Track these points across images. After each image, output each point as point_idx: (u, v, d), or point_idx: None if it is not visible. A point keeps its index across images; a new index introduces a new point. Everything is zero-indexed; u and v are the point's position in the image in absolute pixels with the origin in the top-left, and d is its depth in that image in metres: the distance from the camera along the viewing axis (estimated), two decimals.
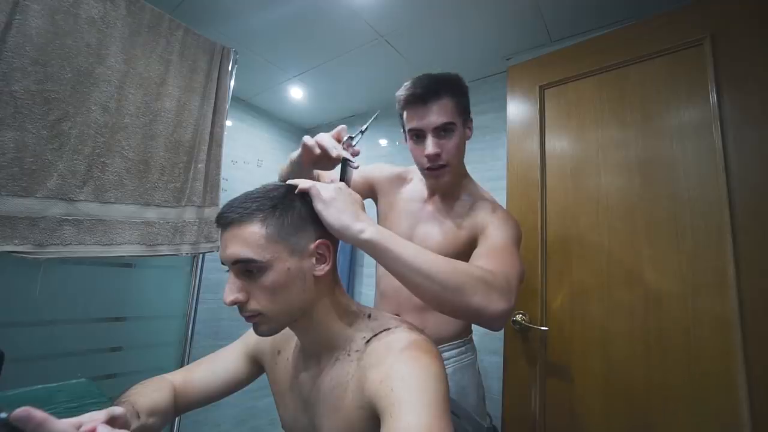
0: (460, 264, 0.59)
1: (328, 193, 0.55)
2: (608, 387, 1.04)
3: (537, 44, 1.57)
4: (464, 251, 0.78)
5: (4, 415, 0.33)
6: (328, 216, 0.53)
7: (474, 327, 0.93)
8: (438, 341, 0.83)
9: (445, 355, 0.85)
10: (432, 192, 0.91)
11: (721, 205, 0.94)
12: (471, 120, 0.86)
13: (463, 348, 0.88)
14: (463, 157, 0.87)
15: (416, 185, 0.95)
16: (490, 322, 0.59)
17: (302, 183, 0.56)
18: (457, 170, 0.84)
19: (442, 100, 0.78)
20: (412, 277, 0.54)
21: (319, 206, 0.54)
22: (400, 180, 0.98)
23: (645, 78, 1.10)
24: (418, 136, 0.81)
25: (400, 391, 0.44)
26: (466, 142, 0.86)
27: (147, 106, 1.14)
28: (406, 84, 0.81)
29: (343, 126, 0.70)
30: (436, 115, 0.77)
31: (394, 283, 0.86)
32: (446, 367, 0.80)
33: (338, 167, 0.67)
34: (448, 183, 0.85)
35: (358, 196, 0.59)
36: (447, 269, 0.56)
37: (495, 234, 0.75)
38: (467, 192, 0.89)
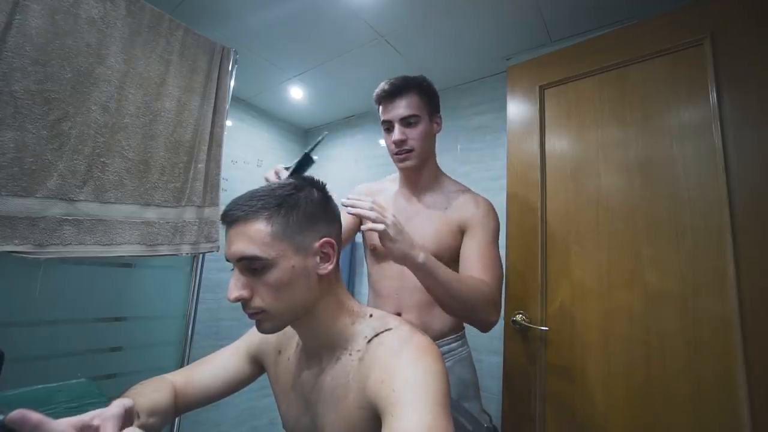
0: (476, 287, 0.75)
1: (393, 231, 0.68)
2: (608, 387, 1.04)
3: (537, 44, 1.57)
4: (454, 240, 0.91)
5: (0, 417, 0.33)
6: (396, 250, 0.68)
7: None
8: (438, 336, 0.90)
9: (445, 348, 0.91)
10: (411, 191, 0.99)
11: (721, 205, 0.94)
12: (439, 117, 0.98)
13: (459, 342, 0.94)
14: (430, 147, 0.96)
15: (389, 193, 1.04)
16: (484, 328, 0.79)
17: (373, 223, 0.67)
18: (423, 157, 0.93)
19: (408, 95, 0.90)
20: (442, 294, 0.72)
21: (388, 243, 0.68)
22: (376, 192, 1.07)
23: (645, 78, 1.10)
24: (388, 127, 0.93)
25: (402, 391, 0.44)
26: (434, 137, 0.98)
27: (147, 106, 1.14)
28: (382, 83, 0.93)
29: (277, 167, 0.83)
30: (403, 108, 0.90)
31: (394, 284, 0.93)
32: (447, 360, 0.87)
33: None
34: (414, 167, 0.93)
35: (401, 225, 0.71)
36: (467, 293, 0.73)
37: (481, 235, 0.87)
38: (446, 187, 0.99)
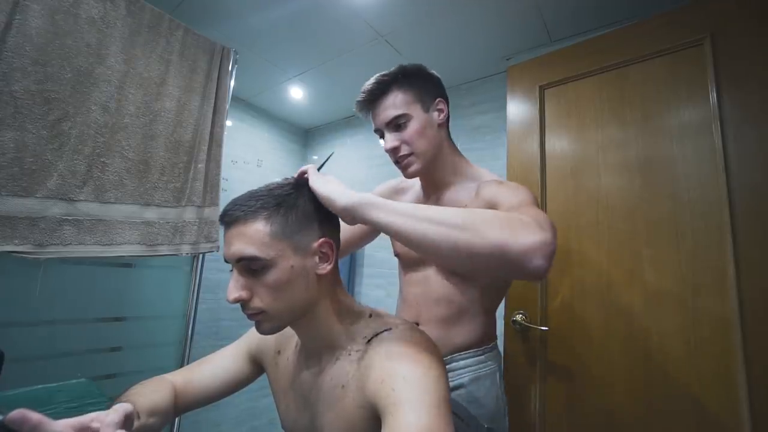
0: (481, 210, 0.53)
1: (324, 173, 0.60)
2: (608, 387, 1.04)
3: (537, 44, 1.57)
4: None
5: (0, 417, 0.33)
6: (320, 186, 0.56)
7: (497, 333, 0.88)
8: (458, 349, 0.80)
9: (462, 363, 0.80)
10: (429, 191, 0.88)
11: (721, 205, 0.94)
12: (442, 101, 0.83)
13: (482, 357, 0.81)
14: (435, 142, 0.81)
15: (415, 191, 0.94)
16: (524, 258, 0.46)
17: (304, 167, 0.61)
18: (428, 157, 0.80)
19: (388, 95, 0.79)
20: (415, 225, 0.49)
21: (312, 179, 0.58)
22: (399, 190, 0.97)
23: (645, 78, 1.10)
24: (381, 136, 0.82)
25: (401, 391, 0.44)
26: (441, 125, 0.83)
27: (147, 106, 1.14)
28: (360, 92, 0.82)
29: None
30: (385, 111, 0.79)
31: (416, 291, 0.86)
32: (462, 376, 0.78)
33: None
34: (423, 171, 0.82)
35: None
36: (451, 211, 0.50)
37: (509, 200, 0.67)
38: (467, 177, 0.84)
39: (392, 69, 0.81)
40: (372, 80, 0.80)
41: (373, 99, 0.80)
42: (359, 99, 0.81)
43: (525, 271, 0.48)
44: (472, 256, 0.48)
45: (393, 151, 0.80)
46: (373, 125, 0.84)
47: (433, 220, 0.49)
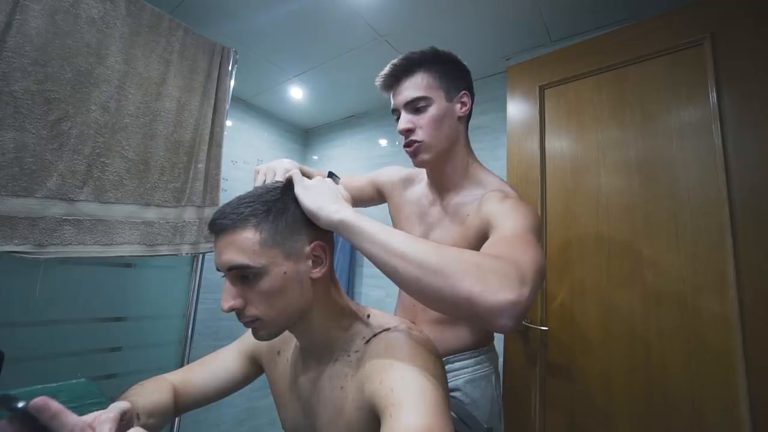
0: (450, 247, 0.49)
1: (310, 181, 0.56)
2: (608, 387, 1.04)
3: (536, 44, 1.57)
4: None
5: (22, 404, 0.33)
6: (305, 198, 0.53)
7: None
8: (453, 351, 0.79)
9: (458, 365, 0.79)
10: (437, 188, 0.85)
11: (721, 205, 0.94)
12: (467, 95, 0.79)
13: (479, 358, 0.81)
14: (450, 134, 0.78)
15: (422, 186, 0.90)
16: (490, 316, 0.43)
17: (290, 172, 0.58)
18: (440, 149, 0.77)
19: (414, 75, 0.76)
20: (388, 259, 0.47)
21: (298, 189, 0.54)
22: (408, 181, 0.94)
23: (644, 78, 1.10)
24: (398, 117, 0.79)
25: (400, 390, 0.44)
26: (461, 119, 0.80)
27: (147, 106, 1.14)
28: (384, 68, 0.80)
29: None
30: (407, 90, 0.76)
31: None
32: (458, 378, 0.78)
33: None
34: (431, 162, 0.78)
35: (340, 189, 0.57)
36: (428, 249, 0.47)
37: (504, 225, 0.63)
38: (476, 183, 0.80)
39: (424, 49, 0.77)
40: (403, 56, 0.77)
41: (397, 75, 0.77)
42: (383, 73, 0.78)
43: (490, 327, 0.49)
44: (438, 302, 0.46)
45: (405, 134, 0.77)
46: (391, 104, 0.80)
47: (406, 256, 0.46)
